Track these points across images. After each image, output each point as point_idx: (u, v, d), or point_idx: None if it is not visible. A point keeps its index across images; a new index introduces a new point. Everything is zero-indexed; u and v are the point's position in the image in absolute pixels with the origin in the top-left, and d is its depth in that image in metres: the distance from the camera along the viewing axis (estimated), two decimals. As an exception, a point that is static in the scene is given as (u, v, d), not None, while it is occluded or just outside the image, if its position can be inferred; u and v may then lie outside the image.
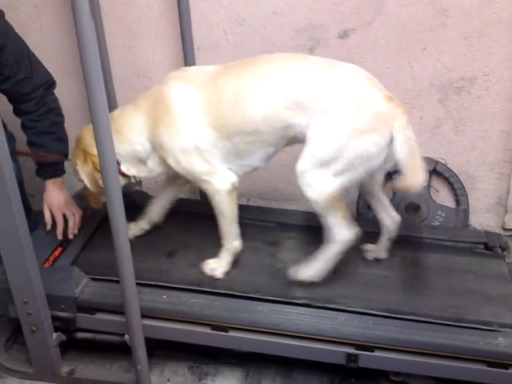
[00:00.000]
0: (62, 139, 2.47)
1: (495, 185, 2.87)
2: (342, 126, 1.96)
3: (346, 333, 2.02)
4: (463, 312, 2.10)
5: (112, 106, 2.66)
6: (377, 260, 2.40)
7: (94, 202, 2.37)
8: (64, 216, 2.49)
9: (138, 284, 1.96)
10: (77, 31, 1.47)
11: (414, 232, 2.57)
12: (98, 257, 2.38)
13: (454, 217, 2.89)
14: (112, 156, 1.69)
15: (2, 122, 1.76)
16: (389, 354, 2.00)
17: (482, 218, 2.97)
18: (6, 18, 2.23)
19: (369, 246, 2.42)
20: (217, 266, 2.27)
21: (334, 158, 1.97)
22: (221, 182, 2.15)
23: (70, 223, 2.49)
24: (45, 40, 2.93)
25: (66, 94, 3.00)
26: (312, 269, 2.18)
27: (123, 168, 2.22)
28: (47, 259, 2.33)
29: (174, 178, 2.43)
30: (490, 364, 1.94)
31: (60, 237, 2.45)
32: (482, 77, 2.63)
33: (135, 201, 2.79)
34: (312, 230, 2.40)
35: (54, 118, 2.41)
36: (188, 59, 2.72)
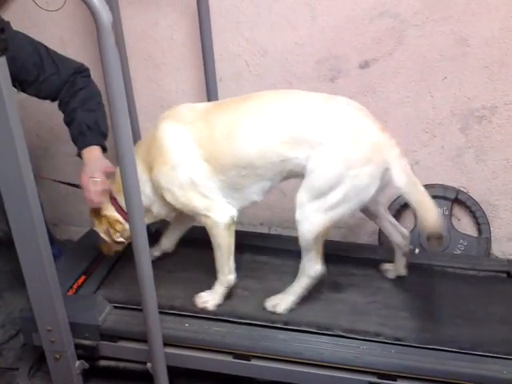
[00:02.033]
0: (94, 110, 2.31)
1: (517, 213, 2.86)
2: (340, 156, 1.98)
3: (368, 361, 2.00)
4: (486, 341, 2.07)
5: (136, 137, 2.69)
6: (398, 277, 2.44)
7: (107, 250, 2.39)
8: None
9: (160, 312, 1.97)
10: (102, 63, 1.50)
11: (436, 261, 2.55)
12: (121, 285, 2.40)
13: (476, 245, 2.86)
14: (136, 183, 1.71)
15: None
16: (411, 383, 1.98)
17: (505, 246, 2.94)
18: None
19: (387, 266, 2.46)
20: (209, 299, 2.27)
21: (331, 189, 1.99)
22: (219, 216, 2.16)
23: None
24: (70, 72, 2.98)
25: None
26: (285, 302, 2.22)
27: None
28: (71, 287, 2.34)
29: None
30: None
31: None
32: (503, 105, 2.63)
33: (149, 228, 2.80)
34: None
35: (85, 94, 2.33)
36: (210, 90, 2.75)
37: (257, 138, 2.05)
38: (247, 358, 2.08)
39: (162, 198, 2.20)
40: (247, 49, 2.77)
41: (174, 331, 2.13)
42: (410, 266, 2.48)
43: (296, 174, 2.10)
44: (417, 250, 2.74)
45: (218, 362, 2.12)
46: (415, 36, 2.58)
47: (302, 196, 2.05)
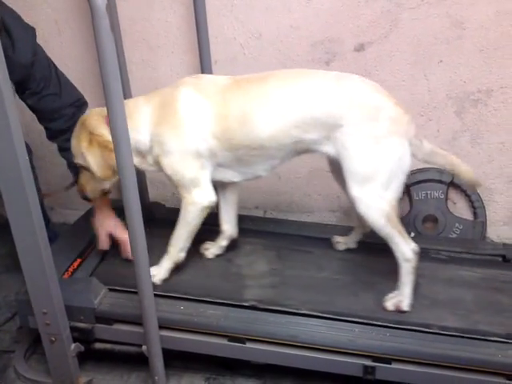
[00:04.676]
0: None
1: (513, 197, 2.87)
2: (364, 135, 2.00)
3: (363, 345, 2.01)
4: (481, 324, 2.09)
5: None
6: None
7: (91, 190, 2.29)
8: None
9: (155, 295, 1.98)
10: (97, 46, 1.50)
11: (431, 244, 2.56)
12: (117, 268, 2.41)
13: (472, 229, 2.88)
14: (131, 166, 1.71)
15: None
16: (406, 366, 1.99)
17: (500, 230, 2.95)
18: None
19: (338, 238, 2.57)
20: (155, 273, 2.27)
21: (373, 170, 2.01)
22: (201, 196, 2.17)
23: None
24: (65, 55, 2.98)
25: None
26: (405, 296, 2.16)
27: None
28: (66, 270, 2.35)
29: (222, 184, 2.41)
30: (509, 377, 1.93)
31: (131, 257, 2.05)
32: (498, 89, 2.63)
33: (154, 214, 2.82)
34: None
35: None
36: (205, 73, 2.73)
37: (270, 122, 2.05)
38: (242, 340, 2.09)
39: (156, 156, 2.17)
40: (242, 32, 2.76)
41: (169, 314, 2.14)
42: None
43: (310, 151, 2.13)
44: (412, 234, 2.75)
45: (213, 345, 2.13)
46: (410, 19, 2.57)
47: (353, 188, 2.05)
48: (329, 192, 3.03)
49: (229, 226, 2.51)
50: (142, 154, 2.20)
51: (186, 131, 2.10)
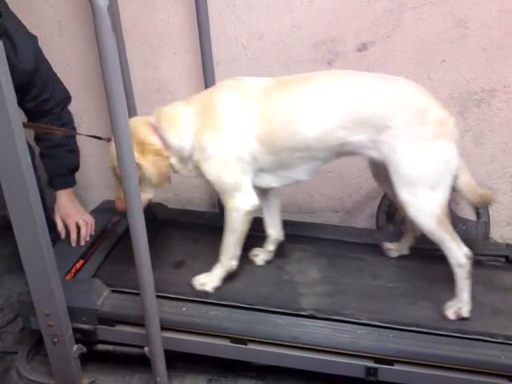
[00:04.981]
0: (74, 150, 2.55)
1: (516, 197, 2.86)
2: (411, 139, 1.99)
3: (365, 346, 2.01)
4: (485, 326, 2.08)
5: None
6: (397, 261, 2.49)
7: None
8: (77, 224, 2.56)
9: (157, 296, 1.98)
10: (98, 47, 1.50)
11: (433, 245, 2.55)
12: (119, 269, 2.40)
13: (475, 229, 2.87)
14: (134, 172, 1.72)
15: None
16: (408, 367, 1.99)
17: (503, 230, 2.94)
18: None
19: (389, 245, 2.53)
20: (208, 281, 2.26)
21: (422, 173, 2.01)
22: (244, 201, 2.14)
23: (83, 231, 2.55)
24: (67, 56, 2.98)
25: (87, 109, 3.06)
26: (464, 303, 2.13)
27: (173, 161, 2.18)
28: (69, 271, 2.35)
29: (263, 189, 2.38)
30: (511, 379, 1.93)
31: (74, 244, 2.53)
32: (501, 88, 2.61)
33: (156, 215, 2.81)
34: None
35: (69, 131, 2.48)
36: (207, 74, 2.74)
37: (317, 123, 2.03)
38: (244, 342, 2.09)
39: (197, 161, 2.15)
40: (244, 32, 2.75)
41: (171, 315, 2.14)
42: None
43: (354, 154, 2.12)
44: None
45: (215, 346, 2.13)
46: (413, 18, 2.56)
47: (402, 192, 2.04)
48: (331, 192, 3.02)
49: (274, 230, 2.49)
50: (183, 161, 2.18)
51: (227, 136, 2.08)
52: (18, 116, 1.66)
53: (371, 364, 2.01)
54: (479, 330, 2.05)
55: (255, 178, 2.18)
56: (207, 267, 2.30)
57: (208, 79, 2.74)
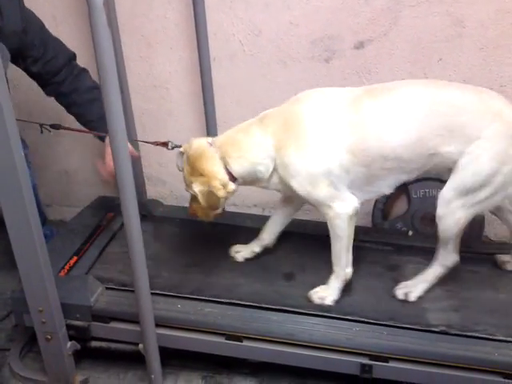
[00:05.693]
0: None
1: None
2: (496, 152, 1.95)
3: (360, 343, 2.01)
4: (479, 323, 2.08)
5: (128, 115, 2.68)
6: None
7: (204, 215, 2.21)
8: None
9: (152, 293, 1.97)
10: (94, 41, 1.48)
11: (429, 243, 2.55)
12: (113, 266, 2.39)
13: (469, 227, 2.86)
14: (128, 168, 1.69)
15: None
16: (403, 364, 1.99)
17: (498, 228, 2.95)
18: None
19: (505, 257, 2.47)
20: (326, 294, 2.19)
21: (481, 186, 1.98)
22: (344, 207, 2.06)
23: None
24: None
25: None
26: (417, 290, 2.19)
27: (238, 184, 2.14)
28: (62, 268, 2.33)
29: (288, 199, 2.38)
30: (506, 376, 1.93)
31: None
32: (498, 87, 2.61)
33: (151, 211, 2.80)
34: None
35: (87, 79, 2.44)
36: (204, 70, 2.73)
37: (411, 130, 1.97)
38: (239, 339, 2.08)
39: (281, 177, 2.09)
40: (241, 28, 2.74)
41: (166, 312, 2.13)
42: (403, 248, 2.54)
43: (438, 170, 2.08)
44: (410, 233, 2.75)
45: (210, 343, 2.12)
46: (410, 17, 2.56)
47: (448, 193, 2.02)
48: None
49: (269, 236, 2.47)
50: (264, 181, 2.13)
51: (315, 150, 2.00)
52: (10, 108, 1.64)
53: (366, 361, 2.00)
54: (473, 327, 2.06)
55: None
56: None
57: (204, 75, 2.73)
